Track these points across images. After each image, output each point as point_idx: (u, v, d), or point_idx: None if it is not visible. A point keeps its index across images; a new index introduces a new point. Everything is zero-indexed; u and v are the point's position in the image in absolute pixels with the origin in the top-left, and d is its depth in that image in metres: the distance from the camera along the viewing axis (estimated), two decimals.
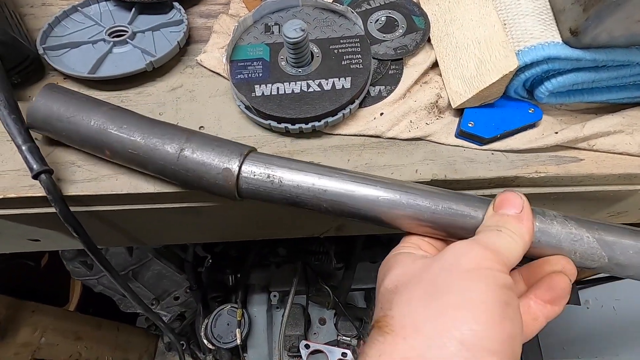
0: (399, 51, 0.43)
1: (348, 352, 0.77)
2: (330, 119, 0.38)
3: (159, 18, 0.48)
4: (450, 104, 0.41)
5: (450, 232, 0.29)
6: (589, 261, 0.28)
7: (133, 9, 0.47)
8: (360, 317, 0.83)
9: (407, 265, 0.26)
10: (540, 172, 0.39)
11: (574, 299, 0.62)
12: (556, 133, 0.40)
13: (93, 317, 1.05)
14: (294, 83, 0.39)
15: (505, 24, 0.38)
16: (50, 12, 0.49)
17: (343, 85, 0.38)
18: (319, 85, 0.38)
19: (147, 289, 0.85)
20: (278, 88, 0.38)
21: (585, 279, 0.73)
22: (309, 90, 0.38)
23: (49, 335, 0.87)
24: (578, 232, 0.28)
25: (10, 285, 0.85)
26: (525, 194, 0.41)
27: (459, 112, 0.41)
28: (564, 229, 0.28)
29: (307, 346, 0.76)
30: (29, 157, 0.33)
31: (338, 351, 0.77)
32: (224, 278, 0.81)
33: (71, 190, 0.36)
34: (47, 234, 0.43)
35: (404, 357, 0.21)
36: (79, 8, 0.47)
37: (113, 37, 0.45)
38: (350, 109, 0.39)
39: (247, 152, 0.32)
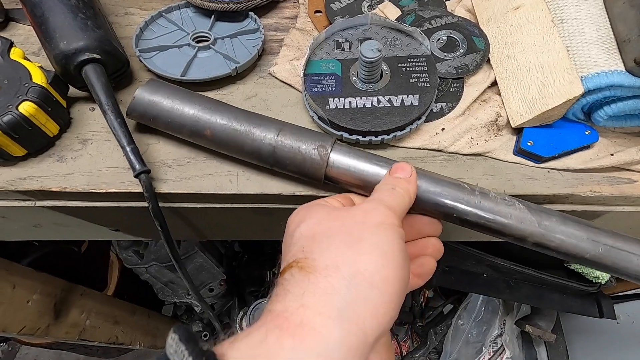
0: (459, 70, 0.46)
1: None
2: (398, 133, 0.41)
3: (235, 26, 0.51)
4: (509, 123, 0.43)
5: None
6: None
7: (212, 16, 0.51)
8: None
9: (322, 216, 0.29)
10: (594, 192, 0.41)
11: (608, 313, 0.63)
12: (611, 155, 0.42)
13: (129, 303, 1.10)
14: (365, 98, 0.42)
15: (568, 51, 0.41)
16: (133, 21, 0.53)
17: (412, 102, 0.41)
18: (389, 101, 0.41)
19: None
20: (350, 102, 0.42)
21: (618, 295, 0.74)
22: (380, 105, 0.41)
23: (92, 318, 0.92)
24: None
25: (58, 269, 0.91)
26: (578, 211, 0.43)
27: (517, 130, 0.44)
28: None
29: None
30: (132, 157, 0.37)
31: None
32: (262, 274, 0.84)
33: (163, 188, 0.40)
34: (128, 225, 0.47)
35: (325, 294, 0.23)
36: (163, 14, 0.51)
37: (197, 42, 0.49)
38: (417, 124, 0.42)
39: (335, 139, 0.37)
